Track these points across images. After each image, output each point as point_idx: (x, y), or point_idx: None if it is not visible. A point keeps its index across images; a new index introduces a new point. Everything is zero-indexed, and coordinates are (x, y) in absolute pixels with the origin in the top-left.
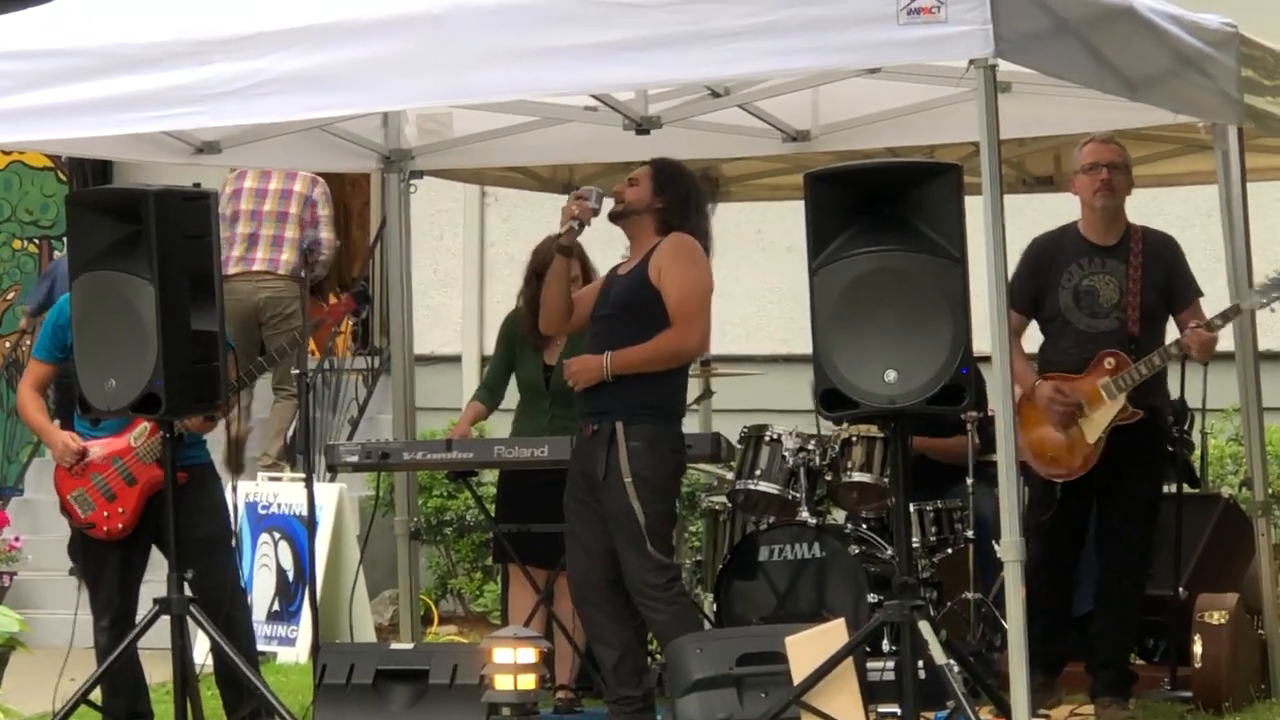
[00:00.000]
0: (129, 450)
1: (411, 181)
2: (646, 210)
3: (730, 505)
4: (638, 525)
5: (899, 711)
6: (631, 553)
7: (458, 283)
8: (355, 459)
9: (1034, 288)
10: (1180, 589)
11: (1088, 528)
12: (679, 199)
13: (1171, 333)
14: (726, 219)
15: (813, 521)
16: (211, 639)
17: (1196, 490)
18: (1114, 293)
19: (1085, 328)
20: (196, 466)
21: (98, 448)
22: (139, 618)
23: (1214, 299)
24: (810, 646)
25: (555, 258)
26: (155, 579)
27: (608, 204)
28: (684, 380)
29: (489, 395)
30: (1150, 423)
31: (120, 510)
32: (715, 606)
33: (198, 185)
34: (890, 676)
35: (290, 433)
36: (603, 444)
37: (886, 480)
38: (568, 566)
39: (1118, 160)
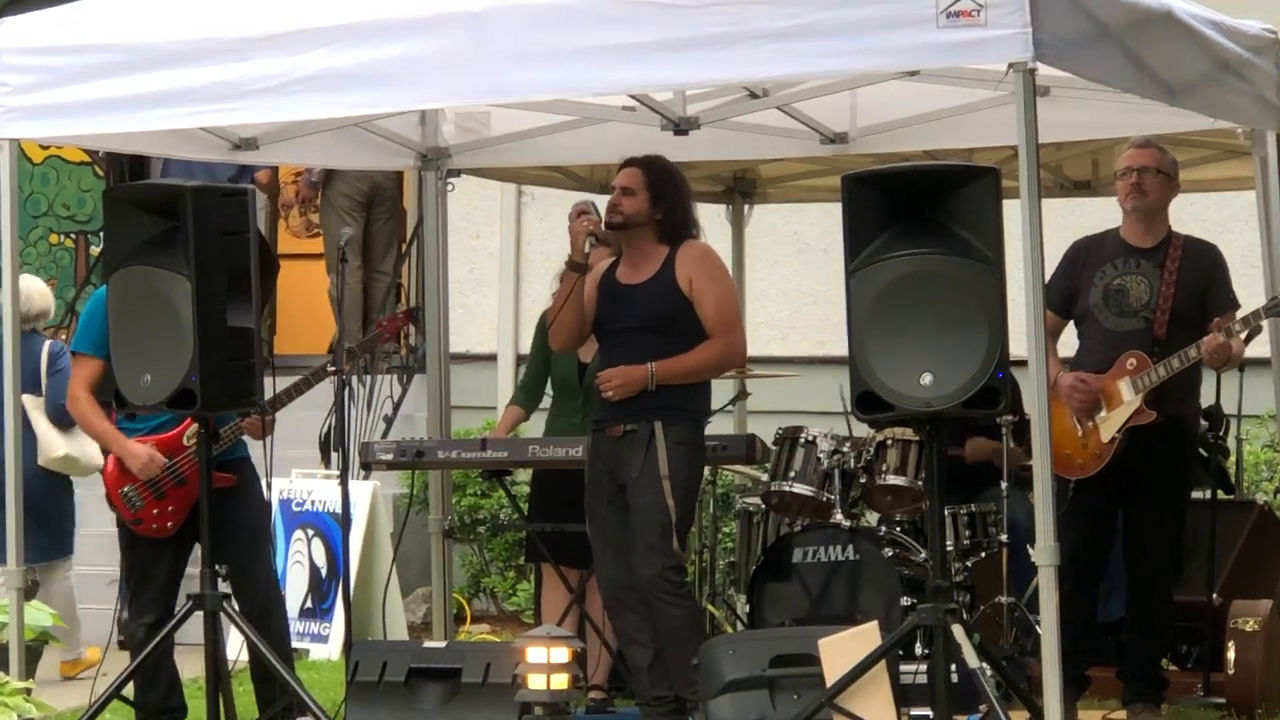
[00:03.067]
0: (182, 450)
1: (449, 180)
2: (646, 222)
3: (764, 507)
4: (670, 522)
5: (931, 715)
6: (655, 551)
7: (494, 281)
8: (390, 457)
9: (1068, 287)
10: (1214, 595)
11: (1111, 536)
12: (677, 207)
13: None
14: (763, 220)
15: (847, 524)
16: (245, 635)
17: (1231, 496)
18: (1144, 292)
19: (1112, 326)
20: (237, 461)
21: (151, 445)
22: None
23: (1252, 305)
24: (843, 649)
25: (572, 278)
26: (189, 574)
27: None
28: (710, 384)
29: (527, 397)
30: (1175, 431)
31: (170, 509)
32: (748, 608)
33: (236, 181)
34: (923, 680)
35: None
36: (638, 445)
37: (921, 483)
38: (596, 569)
39: (1149, 164)
